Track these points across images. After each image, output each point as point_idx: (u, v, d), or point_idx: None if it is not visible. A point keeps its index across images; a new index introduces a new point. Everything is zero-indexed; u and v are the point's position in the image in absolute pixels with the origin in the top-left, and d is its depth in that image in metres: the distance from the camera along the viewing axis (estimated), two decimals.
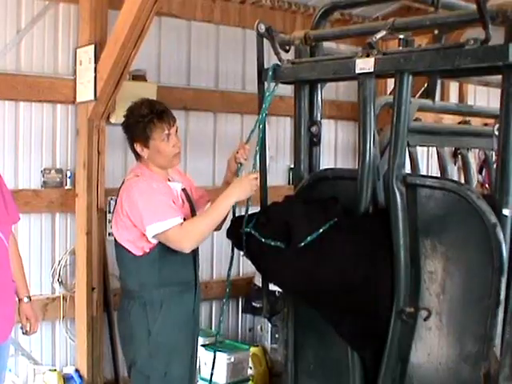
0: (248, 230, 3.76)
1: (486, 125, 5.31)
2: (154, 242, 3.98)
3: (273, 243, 3.59)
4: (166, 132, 4.05)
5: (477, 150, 6.80)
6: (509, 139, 3.06)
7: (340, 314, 3.60)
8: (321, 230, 3.48)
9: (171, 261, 4.04)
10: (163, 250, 3.99)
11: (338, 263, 3.47)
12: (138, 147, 4.09)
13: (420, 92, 4.16)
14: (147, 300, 4.05)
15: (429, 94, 3.97)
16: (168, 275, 4.08)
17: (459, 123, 5.32)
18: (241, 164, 4.12)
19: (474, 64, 3.08)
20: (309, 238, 3.45)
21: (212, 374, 4.54)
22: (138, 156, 4.16)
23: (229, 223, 4.01)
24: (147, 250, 4.01)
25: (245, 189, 3.97)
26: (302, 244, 3.45)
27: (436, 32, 3.71)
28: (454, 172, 4.73)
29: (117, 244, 4.14)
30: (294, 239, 3.50)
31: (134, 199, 3.97)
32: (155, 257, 4.01)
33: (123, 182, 4.17)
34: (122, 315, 4.23)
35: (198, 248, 4.20)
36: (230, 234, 3.99)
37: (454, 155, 7.09)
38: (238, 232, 3.83)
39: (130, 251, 4.05)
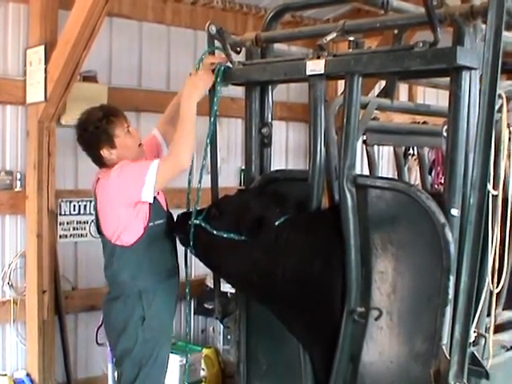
0: (198, 222, 3.77)
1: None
2: (153, 194, 4.01)
3: (225, 235, 3.61)
4: (126, 125, 4.18)
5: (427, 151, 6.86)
6: (457, 140, 3.11)
7: (291, 311, 3.61)
8: (276, 223, 3.52)
9: (159, 248, 4.18)
10: (151, 238, 4.11)
11: (292, 257, 3.49)
12: (105, 152, 4.16)
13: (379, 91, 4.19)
14: (142, 288, 4.17)
15: (388, 93, 4.01)
16: (158, 262, 4.21)
17: (414, 123, 5.37)
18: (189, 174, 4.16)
19: (423, 66, 3.12)
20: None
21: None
22: (102, 162, 4.22)
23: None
24: (134, 241, 4.09)
25: (203, 82, 4.01)
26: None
27: (396, 31, 3.74)
28: (404, 172, 4.77)
29: (105, 240, 4.23)
30: (245, 232, 3.53)
31: (118, 184, 4.04)
32: (145, 246, 4.12)
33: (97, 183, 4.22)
34: (114, 307, 4.29)
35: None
36: (177, 228, 4.02)
37: (404, 156, 7.15)
38: (186, 226, 3.84)
39: (118, 244, 4.14)
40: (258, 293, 3.75)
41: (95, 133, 4.13)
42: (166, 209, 4.31)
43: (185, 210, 4.08)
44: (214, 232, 3.67)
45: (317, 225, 3.58)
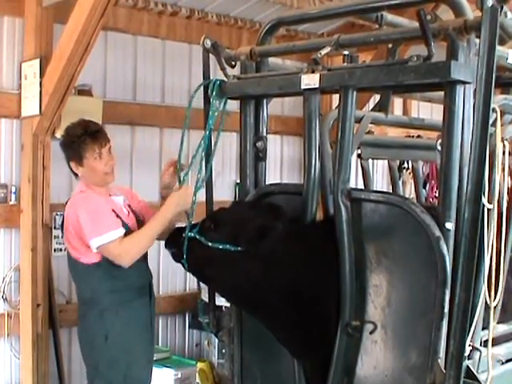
0: (192, 234, 3.70)
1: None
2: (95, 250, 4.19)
3: (221, 246, 3.54)
4: (98, 151, 4.29)
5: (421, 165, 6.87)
6: (451, 154, 3.11)
7: (285, 325, 3.58)
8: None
9: (123, 267, 4.21)
10: None
11: (287, 269, 3.47)
12: (73, 166, 4.37)
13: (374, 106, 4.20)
14: (103, 306, 4.26)
15: (382, 107, 4.02)
16: (122, 281, 4.28)
17: (408, 137, 5.36)
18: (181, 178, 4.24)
19: (417, 80, 3.12)
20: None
21: None
22: (73, 172, 4.44)
23: None
24: (98, 259, 4.22)
25: (182, 201, 4.17)
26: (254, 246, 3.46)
27: (390, 45, 3.75)
28: (399, 186, 4.77)
29: (70, 256, 4.37)
30: (246, 241, 3.49)
31: (77, 214, 4.22)
32: (107, 264, 4.20)
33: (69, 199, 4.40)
34: (81, 322, 4.44)
35: (146, 253, 4.41)
36: (170, 242, 3.92)
37: (399, 169, 7.15)
38: (179, 239, 3.77)
39: (82, 262, 4.26)
40: (251, 305, 3.69)
41: (69, 147, 4.35)
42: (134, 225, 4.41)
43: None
44: (209, 244, 3.59)
45: (311, 237, 3.57)
